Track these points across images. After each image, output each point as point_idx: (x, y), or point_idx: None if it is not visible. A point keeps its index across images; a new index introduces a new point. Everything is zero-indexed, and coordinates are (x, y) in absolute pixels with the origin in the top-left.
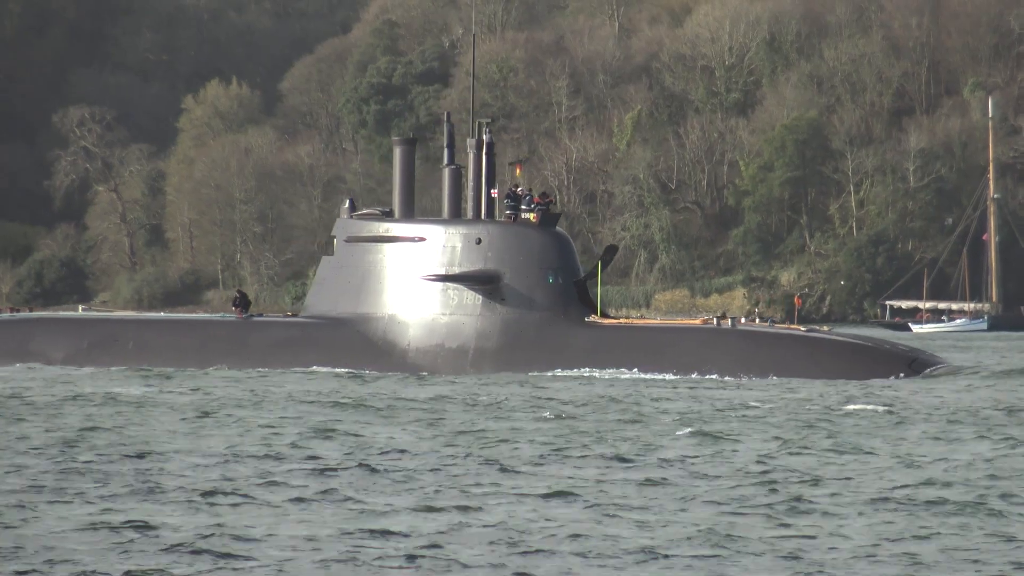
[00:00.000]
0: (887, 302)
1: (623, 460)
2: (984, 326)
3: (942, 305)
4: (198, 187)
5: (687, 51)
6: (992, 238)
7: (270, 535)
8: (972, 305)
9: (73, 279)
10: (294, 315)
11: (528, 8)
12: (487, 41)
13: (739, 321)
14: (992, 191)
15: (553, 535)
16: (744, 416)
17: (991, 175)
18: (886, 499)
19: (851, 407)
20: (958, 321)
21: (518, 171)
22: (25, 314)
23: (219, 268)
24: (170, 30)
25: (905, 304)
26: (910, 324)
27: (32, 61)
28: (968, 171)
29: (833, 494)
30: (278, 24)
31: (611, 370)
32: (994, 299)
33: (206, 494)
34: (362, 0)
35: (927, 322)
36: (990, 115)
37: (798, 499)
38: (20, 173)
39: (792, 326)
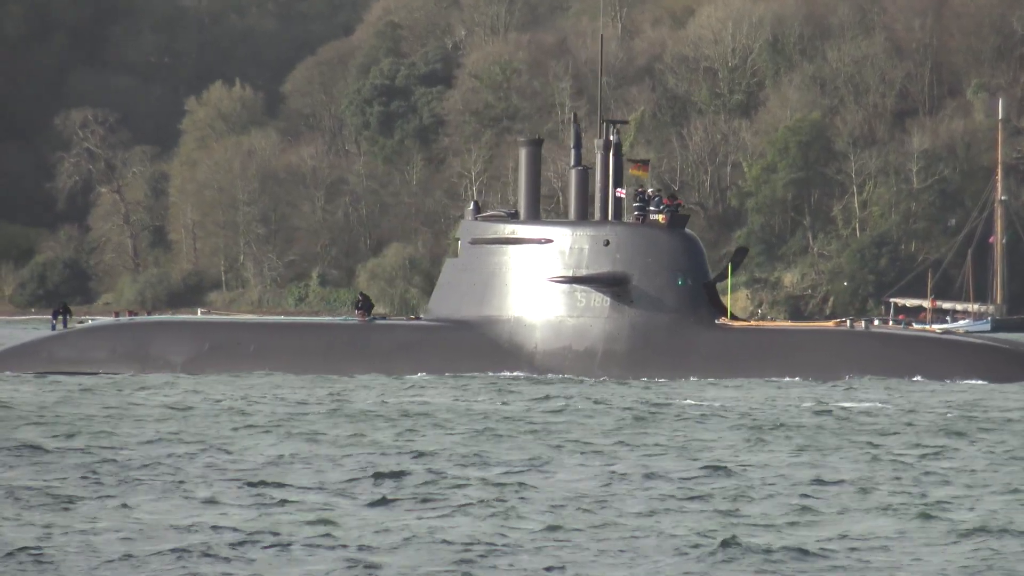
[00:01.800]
0: (892, 299)
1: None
2: (988, 328)
3: (947, 305)
4: (201, 189)
5: (690, 52)
6: (999, 240)
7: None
8: (977, 306)
9: (76, 281)
10: (416, 318)
11: (531, 9)
12: (490, 42)
13: (872, 323)
14: (1000, 193)
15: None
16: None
17: (999, 176)
18: None
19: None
20: (962, 322)
21: (641, 171)
22: (143, 317)
23: (222, 270)
24: (171, 32)
25: (909, 302)
26: (913, 324)
27: (33, 64)
28: (971, 172)
29: None
30: (280, 26)
31: (741, 375)
32: (999, 301)
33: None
34: (364, 2)
35: (930, 322)
36: (1000, 116)
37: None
38: (22, 175)
39: (928, 328)
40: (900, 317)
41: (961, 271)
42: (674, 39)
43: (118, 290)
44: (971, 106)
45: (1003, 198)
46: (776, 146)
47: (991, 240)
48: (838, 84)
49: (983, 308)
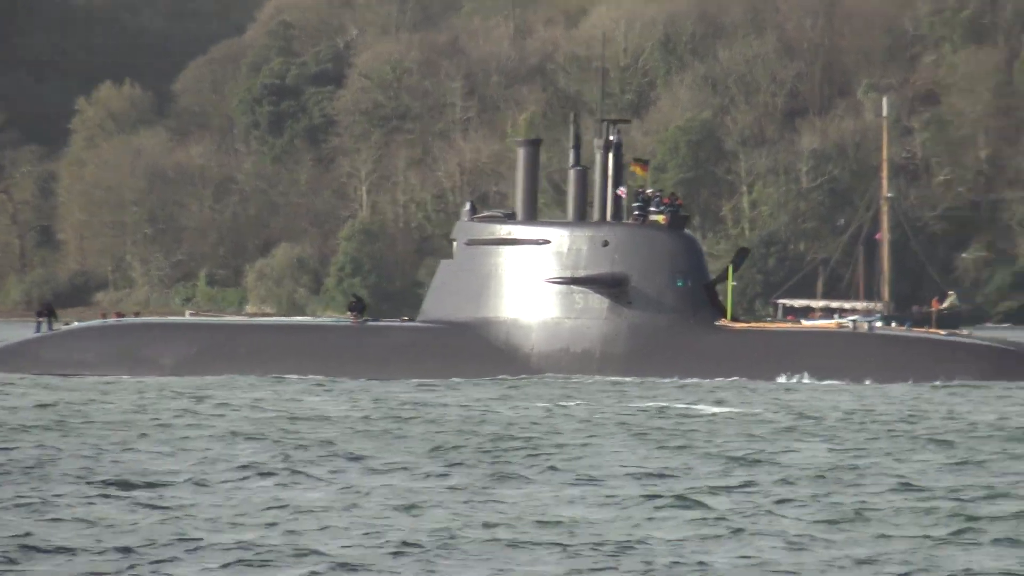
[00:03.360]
0: (779, 301)
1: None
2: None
3: (835, 304)
4: (89, 189)
5: (582, 52)
6: (885, 238)
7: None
8: (865, 304)
9: None
10: (410, 320)
11: (423, 8)
12: (382, 42)
13: (874, 324)
14: (886, 190)
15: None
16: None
17: (885, 174)
18: None
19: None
20: (850, 319)
21: (642, 171)
22: (131, 319)
23: (109, 269)
24: (63, 31)
25: (798, 303)
26: (803, 323)
27: None
28: (861, 172)
29: None
30: (172, 25)
31: (742, 376)
32: (886, 298)
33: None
34: (256, 1)
35: (820, 320)
36: (885, 114)
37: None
38: None
39: (931, 330)
40: (789, 317)
41: (850, 269)
42: (566, 39)
43: (4, 290)
44: (861, 106)
45: (889, 195)
46: (666, 146)
47: (878, 237)
48: (729, 84)
49: (872, 305)
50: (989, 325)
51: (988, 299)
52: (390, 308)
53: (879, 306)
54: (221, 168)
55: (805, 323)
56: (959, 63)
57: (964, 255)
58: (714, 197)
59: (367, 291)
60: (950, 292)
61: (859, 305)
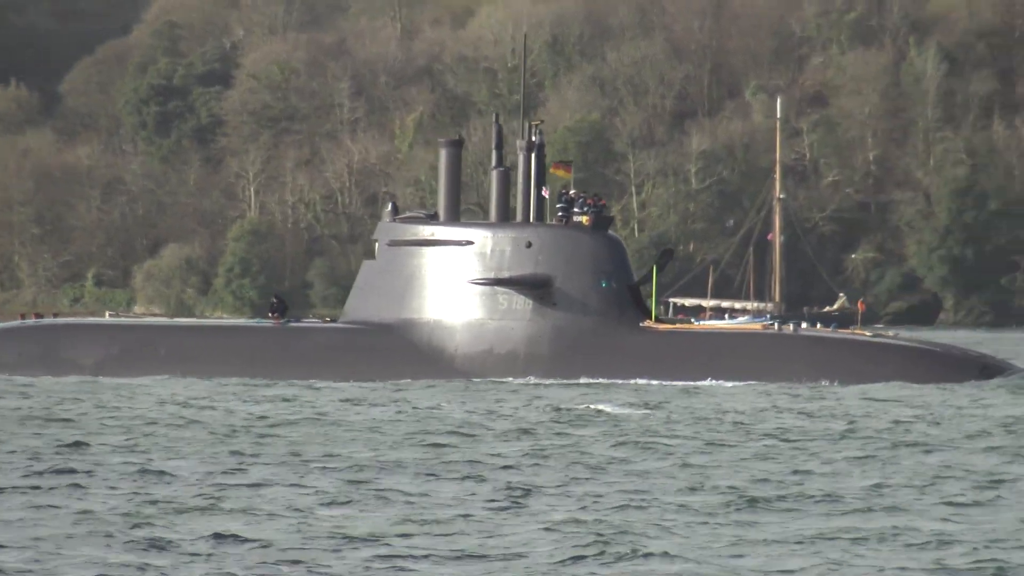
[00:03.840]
0: (670, 299)
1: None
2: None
3: (726, 304)
4: None
5: (469, 53)
6: (777, 238)
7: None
8: (756, 304)
9: None
10: (332, 321)
11: (309, 9)
12: (269, 42)
13: (800, 326)
14: (778, 191)
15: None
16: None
17: (778, 175)
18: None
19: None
20: (741, 319)
21: (565, 171)
22: (50, 320)
23: None
24: None
25: (688, 302)
26: (693, 321)
27: None
28: (750, 173)
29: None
30: (59, 25)
31: (667, 378)
32: (777, 299)
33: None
34: (143, 1)
35: (710, 320)
36: (778, 115)
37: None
38: None
39: (856, 331)
40: (679, 316)
41: (740, 270)
42: (453, 39)
43: None
44: (750, 107)
45: (781, 196)
46: (555, 147)
47: (770, 237)
48: (618, 85)
49: (762, 306)
50: (879, 327)
51: (878, 300)
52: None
53: (770, 307)
54: (109, 168)
55: (730, 324)
56: (847, 65)
57: (853, 256)
58: (604, 198)
59: (256, 292)
60: (840, 294)
61: (750, 305)
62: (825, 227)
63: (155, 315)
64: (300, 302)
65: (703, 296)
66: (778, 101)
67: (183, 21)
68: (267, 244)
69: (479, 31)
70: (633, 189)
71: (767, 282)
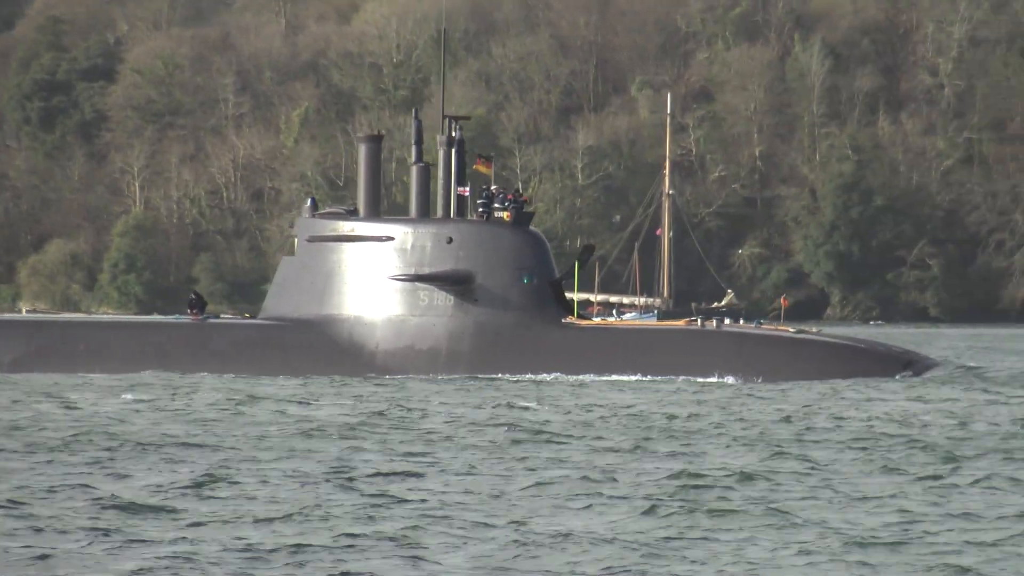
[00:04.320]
0: None
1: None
2: (654, 320)
3: (613, 299)
4: None
5: (354, 48)
6: (666, 234)
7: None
8: (644, 299)
9: None
10: (251, 317)
11: (193, 4)
12: (153, 37)
13: (723, 322)
14: (667, 187)
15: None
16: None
17: (667, 170)
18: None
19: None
20: (628, 315)
21: (486, 167)
22: None
23: None
24: None
25: (577, 296)
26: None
27: None
28: (636, 169)
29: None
30: None
31: (590, 374)
32: (665, 294)
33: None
34: None
35: (598, 315)
36: (668, 111)
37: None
38: None
39: (779, 327)
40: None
41: (628, 266)
42: (338, 35)
43: None
44: (636, 103)
45: (670, 192)
46: None
47: (658, 232)
48: (503, 80)
49: (650, 301)
50: (763, 321)
51: (764, 295)
52: (165, 304)
53: (658, 302)
54: None
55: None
56: (732, 61)
57: (740, 252)
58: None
59: (142, 287)
60: (728, 290)
61: (638, 300)
62: (711, 223)
63: (44, 312)
64: (186, 297)
65: (591, 291)
66: (668, 97)
67: (66, 16)
68: (152, 240)
69: (364, 27)
70: (520, 184)
71: (654, 277)
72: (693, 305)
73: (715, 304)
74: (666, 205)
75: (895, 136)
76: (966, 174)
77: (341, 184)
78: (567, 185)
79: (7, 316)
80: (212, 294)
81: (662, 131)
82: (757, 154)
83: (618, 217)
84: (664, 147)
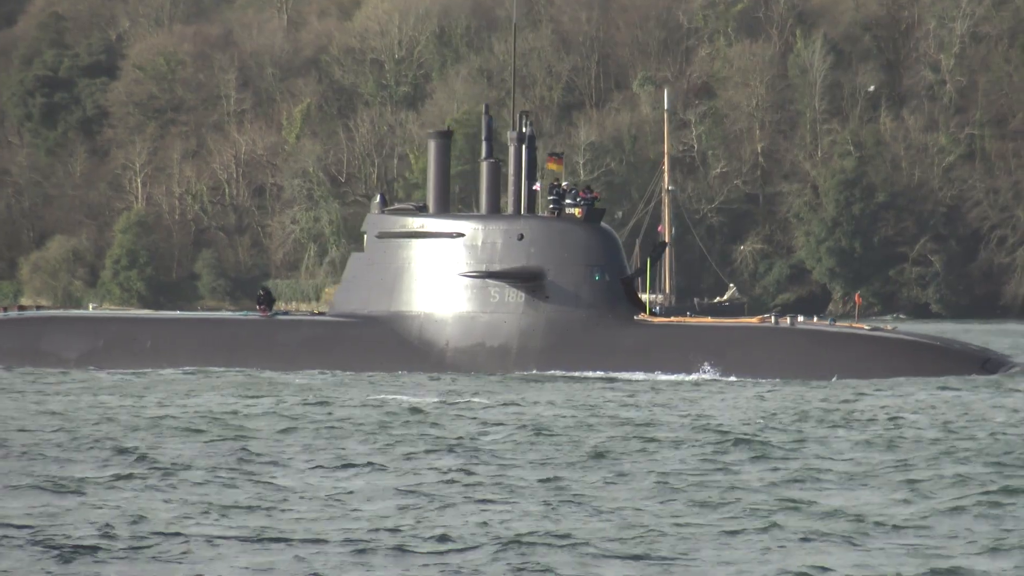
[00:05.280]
0: None
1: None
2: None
3: None
4: None
5: (356, 44)
6: (667, 230)
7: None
8: (646, 296)
9: None
10: (320, 313)
11: (196, 1)
12: (155, 34)
13: (797, 319)
14: (667, 183)
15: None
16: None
17: (666, 167)
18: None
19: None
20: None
21: (557, 164)
22: (32, 312)
23: None
24: None
25: None
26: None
27: None
28: (638, 165)
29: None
30: None
31: (661, 372)
32: (667, 290)
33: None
34: None
35: None
36: (665, 107)
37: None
38: None
39: (855, 324)
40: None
41: (630, 262)
42: (340, 31)
43: None
44: (637, 99)
45: (670, 188)
46: None
47: (660, 229)
48: (505, 76)
49: (652, 297)
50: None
51: (766, 291)
52: (168, 300)
53: (660, 298)
54: None
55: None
56: (733, 57)
57: (742, 248)
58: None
59: (144, 283)
60: (731, 284)
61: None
62: (713, 219)
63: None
64: (188, 293)
65: None
66: (665, 93)
67: (68, 12)
68: (154, 236)
69: (366, 23)
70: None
71: (657, 274)
72: (695, 300)
73: (717, 299)
74: (666, 201)
75: (896, 132)
76: (968, 170)
77: (343, 180)
78: (569, 181)
79: (73, 312)
80: (214, 290)
81: (663, 127)
82: (759, 150)
83: (620, 213)
84: (667, 143)
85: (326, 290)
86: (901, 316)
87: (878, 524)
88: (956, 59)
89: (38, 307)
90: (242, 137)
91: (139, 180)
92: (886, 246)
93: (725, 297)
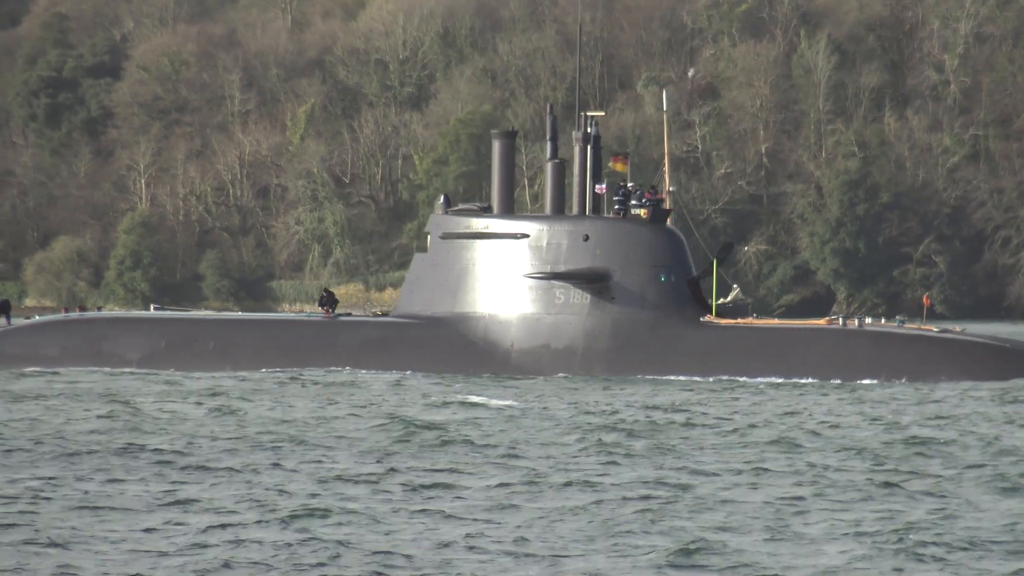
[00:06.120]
0: None
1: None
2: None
3: None
4: None
5: (360, 45)
6: None
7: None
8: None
9: None
10: (384, 314)
11: (200, 1)
12: (159, 34)
13: (865, 321)
14: (668, 184)
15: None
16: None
17: (667, 168)
18: None
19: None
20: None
21: (621, 165)
22: (94, 313)
23: None
24: None
25: None
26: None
27: None
28: (642, 165)
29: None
30: None
31: (728, 375)
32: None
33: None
34: None
35: None
36: (664, 108)
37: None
38: None
39: (923, 326)
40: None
41: None
42: (344, 31)
43: None
44: (641, 99)
45: (671, 189)
46: (447, 139)
47: None
48: (509, 77)
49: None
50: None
51: (770, 292)
52: (172, 300)
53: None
54: None
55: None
56: (737, 57)
57: (746, 248)
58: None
59: (148, 284)
60: (734, 285)
61: None
62: (717, 219)
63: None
64: (192, 294)
65: None
66: (664, 94)
67: (72, 12)
68: (158, 236)
69: (370, 23)
70: (526, 181)
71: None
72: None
73: (721, 300)
74: (668, 202)
75: (901, 132)
76: (972, 171)
77: (347, 181)
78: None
79: (136, 313)
80: (219, 291)
81: (667, 127)
82: (763, 150)
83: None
84: (667, 143)
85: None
86: (902, 317)
87: None
88: (960, 59)
89: (98, 308)
90: (246, 138)
91: (143, 181)
92: (890, 247)
93: (729, 298)
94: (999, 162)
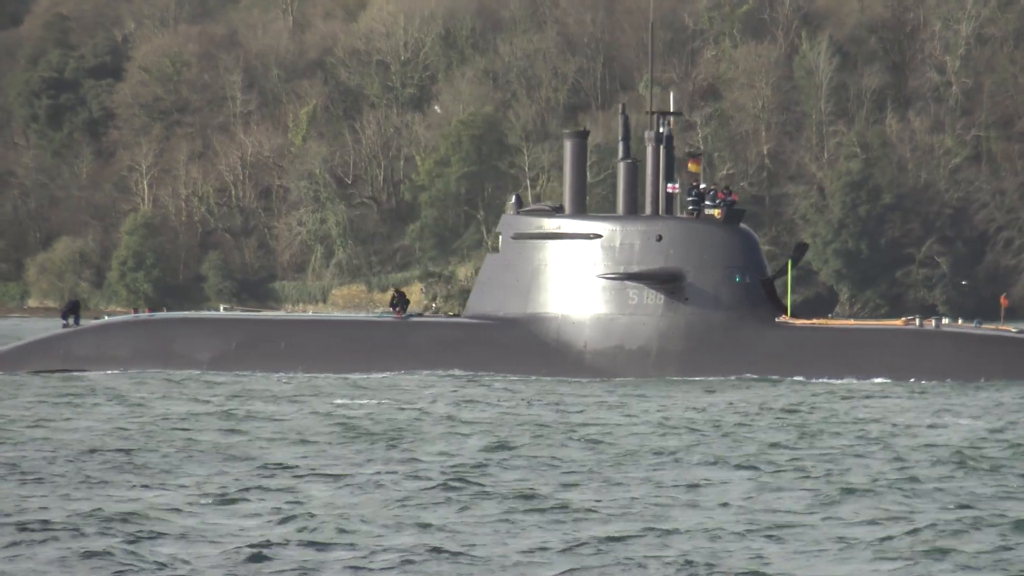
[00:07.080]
0: None
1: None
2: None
3: None
4: None
5: (361, 46)
6: None
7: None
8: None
9: None
10: (455, 315)
11: (201, 1)
12: (160, 35)
13: (942, 321)
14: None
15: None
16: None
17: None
18: None
19: None
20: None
21: (695, 166)
22: (163, 314)
23: None
24: None
25: None
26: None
27: None
28: (643, 166)
29: None
30: None
31: (803, 376)
32: None
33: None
34: None
35: None
36: (672, 110)
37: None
38: None
39: (1000, 327)
40: None
41: None
42: (346, 32)
43: None
44: (643, 100)
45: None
46: (449, 140)
47: None
48: (510, 78)
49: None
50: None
51: None
52: (174, 302)
53: None
54: (0, 162)
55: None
56: (739, 59)
57: None
58: (498, 191)
59: (150, 285)
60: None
61: None
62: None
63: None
64: (195, 295)
65: None
66: (671, 95)
67: (73, 13)
68: (160, 237)
69: (371, 24)
70: (528, 182)
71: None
72: None
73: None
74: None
75: (902, 133)
76: (974, 172)
77: (349, 182)
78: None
79: (205, 313)
80: (221, 292)
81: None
82: (765, 152)
83: None
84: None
85: (333, 292)
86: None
87: None
88: (962, 61)
89: (165, 309)
90: (248, 139)
91: (145, 182)
92: (892, 248)
93: None
94: (1001, 163)
